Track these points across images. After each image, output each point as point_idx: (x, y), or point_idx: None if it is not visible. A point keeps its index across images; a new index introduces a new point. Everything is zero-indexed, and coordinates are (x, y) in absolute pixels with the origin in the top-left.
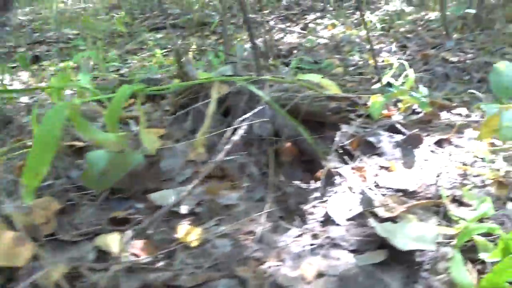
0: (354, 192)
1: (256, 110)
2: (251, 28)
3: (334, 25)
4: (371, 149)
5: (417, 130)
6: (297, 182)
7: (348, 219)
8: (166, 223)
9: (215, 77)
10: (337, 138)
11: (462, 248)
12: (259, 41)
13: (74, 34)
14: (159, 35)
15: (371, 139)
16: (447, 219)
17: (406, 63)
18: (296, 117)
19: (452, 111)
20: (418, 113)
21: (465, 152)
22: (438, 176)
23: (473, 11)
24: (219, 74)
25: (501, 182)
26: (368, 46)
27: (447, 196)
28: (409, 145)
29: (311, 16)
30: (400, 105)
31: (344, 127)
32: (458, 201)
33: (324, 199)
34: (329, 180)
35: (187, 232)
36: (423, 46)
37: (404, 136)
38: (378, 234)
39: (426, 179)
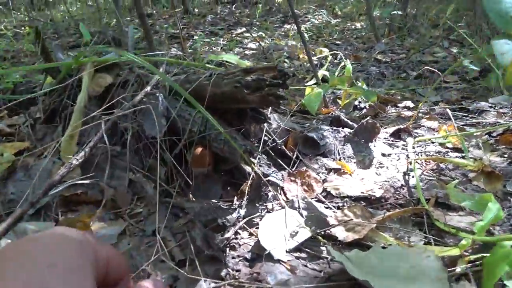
0: (296, 208)
1: (141, 100)
2: (139, 4)
3: (262, 37)
4: (313, 148)
5: (368, 118)
6: (213, 201)
7: (291, 250)
8: None
9: (89, 58)
10: (265, 136)
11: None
12: (177, 50)
13: None
14: (71, 53)
15: (312, 134)
16: (436, 232)
17: (341, 53)
18: (202, 105)
19: (398, 104)
20: (361, 109)
21: (430, 141)
22: (406, 174)
23: (399, 12)
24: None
25: (491, 172)
26: (297, 54)
27: (427, 200)
28: (361, 139)
29: (238, 31)
30: (340, 102)
31: (273, 118)
32: (444, 204)
33: (254, 221)
34: (258, 193)
35: None
36: (353, 51)
37: (354, 128)
38: (350, 274)
39: (392, 180)
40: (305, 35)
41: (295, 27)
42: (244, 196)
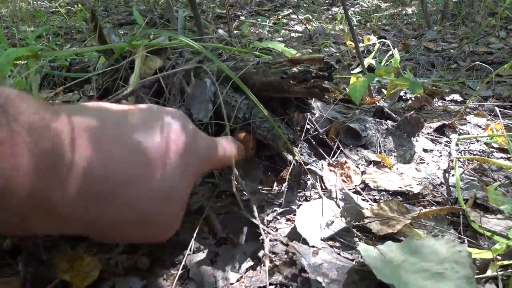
0: (333, 198)
1: (191, 86)
2: None
3: (308, 20)
4: (355, 139)
5: (412, 112)
6: (253, 186)
7: (326, 239)
8: None
9: (141, 41)
10: (308, 124)
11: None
12: (223, 32)
13: (31, 31)
14: (121, 31)
15: (354, 125)
16: (471, 234)
17: (389, 42)
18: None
19: (445, 97)
20: (406, 100)
21: (475, 140)
22: (446, 172)
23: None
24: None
25: None
26: (343, 39)
27: (466, 200)
28: (404, 133)
29: (284, 12)
30: (385, 91)
31: (316, 107)
32: (482, 206)
33: (292, 208)
34: (298, 181)
35: None
36: (403, 38)
37: (397, 121)
38: (377, 277)
39: (431, 177)
40: (354, 19)
41: (342, 11)
42: (283, 182)
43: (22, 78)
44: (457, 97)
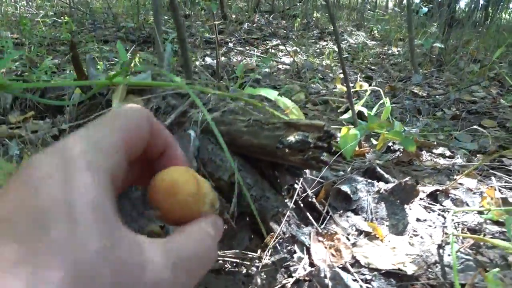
0: (321, 277)
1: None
2: (181, 30)
3: (296, 52)
4: (345, 202)
5: (407, 178)
6: (232, 252)
7: None
8: None
9: (121, 79)
10: (296, 184)
11: None
12: (210, 61)
13: (12, 38)
14: (107, 47)
15: (346, 189)
16: None
17: (381, 90)
18: (235, 151)
19: (434, 151)
20: (394, 151)
21: (469, 210)
22: (441, 247)
23: (441, 45)
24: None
25: None
26: (331, 75)
27: (463, 286)
28: (398, 199)
29: (273, 42)
30: (373, 140)
31: (308, 173)
32: None
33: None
34: (281, 252)
35: None
36: (389, 79)
37: (390, 186)
38: None
39: (425, 253)
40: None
41: (331, 45)
42: (265, 249)
43: None
44: (446, 151)
